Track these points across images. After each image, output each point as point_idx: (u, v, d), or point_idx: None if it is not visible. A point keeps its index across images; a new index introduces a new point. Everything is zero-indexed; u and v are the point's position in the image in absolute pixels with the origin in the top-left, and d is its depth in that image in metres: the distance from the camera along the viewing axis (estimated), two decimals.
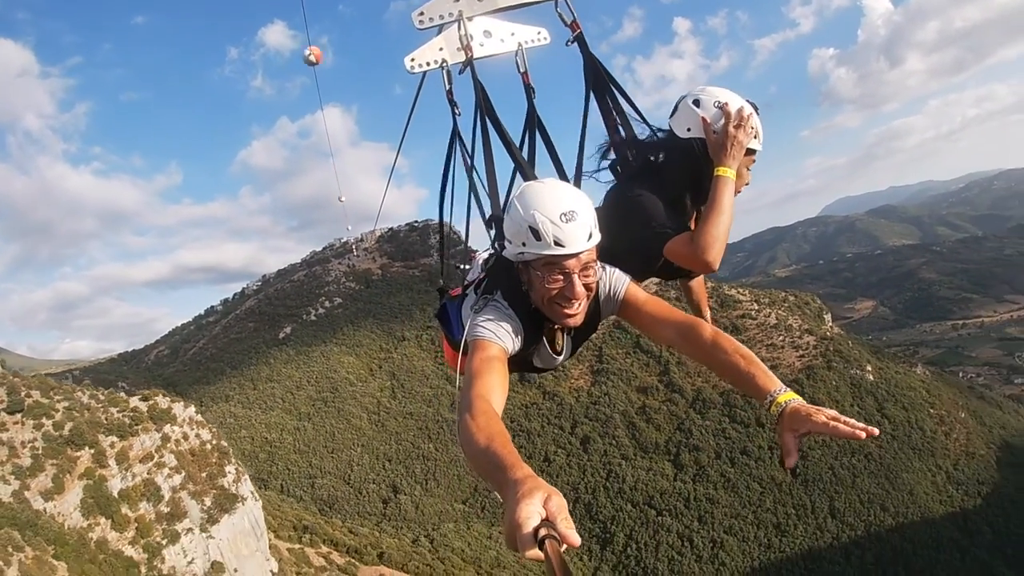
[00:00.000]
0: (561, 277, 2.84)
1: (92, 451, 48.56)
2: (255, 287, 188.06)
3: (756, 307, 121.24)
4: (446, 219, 4.67)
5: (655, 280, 4.18)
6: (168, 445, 52.94)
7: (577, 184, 4.04)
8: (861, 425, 2.16)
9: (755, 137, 3.47)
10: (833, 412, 2.26)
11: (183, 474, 51.40)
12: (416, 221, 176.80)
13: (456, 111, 4.49)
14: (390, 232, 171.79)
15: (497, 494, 1.81)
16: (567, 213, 2.76)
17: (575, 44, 4.47)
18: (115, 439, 50.57)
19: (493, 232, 3.66)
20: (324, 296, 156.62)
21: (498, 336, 2.86)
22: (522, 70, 4.75)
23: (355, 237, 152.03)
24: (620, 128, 4.09)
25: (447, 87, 4.64)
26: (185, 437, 55.38)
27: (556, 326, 3.18)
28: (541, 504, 1.56)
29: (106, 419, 52.20)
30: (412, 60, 4.70)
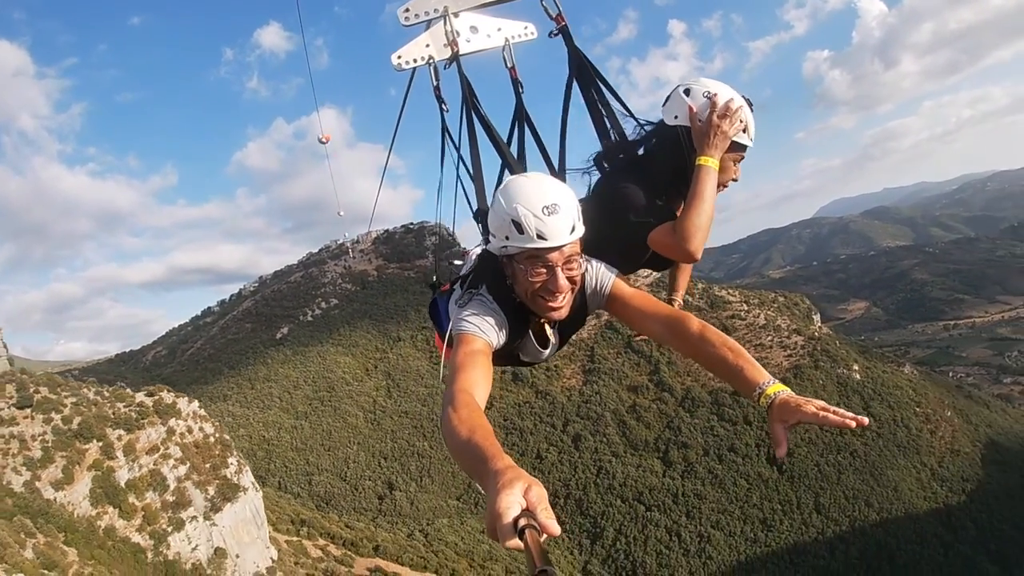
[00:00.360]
0: (544, 270, 2.88)
1: (100, 444, 50.95)
2: (252, 288, 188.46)
3: (746, 308, 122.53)
4: (448, 218, 4.57)
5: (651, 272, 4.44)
6: (173, 438, 55.21)
7: (561, 177, 4.06)
8: (851, 415, 2.25)
9: (744, 131, 3.52)
10: (822, 403, 2.36)
11: (187, 465, 53.71)
12: (411, 223, 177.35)
13: (444, 107, 4.57)
14: (386, 234, 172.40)
15: (478, 485, 1.90)
16: (549, 206, 2.82)
17: (559, 38, 4.56)
18: (122, 432, 52.84)
19: (481, 227, 3.73)
20: (320, 297, 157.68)
21: (482, 330, 2.90)
22: (509, 65, 4.86)
23: (351, 239, 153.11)
24: (606, 120, 4.15)
25: (434, 83, 4.71)
26: (189, 430, 57.54)
27: (541, 320, 3.24)
28: (521, 494, 1.58)
29: (113, 413, 54.50)
30: (399, 57, 4.78)
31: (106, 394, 59.63)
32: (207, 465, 55.92)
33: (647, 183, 3.57)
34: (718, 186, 3.50)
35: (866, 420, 2.19)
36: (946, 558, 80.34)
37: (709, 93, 3.42)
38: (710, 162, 3.32)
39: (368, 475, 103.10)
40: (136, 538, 46.94)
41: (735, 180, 3.74)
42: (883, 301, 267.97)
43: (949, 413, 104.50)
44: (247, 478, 58.24)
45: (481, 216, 3.69)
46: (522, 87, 4.71)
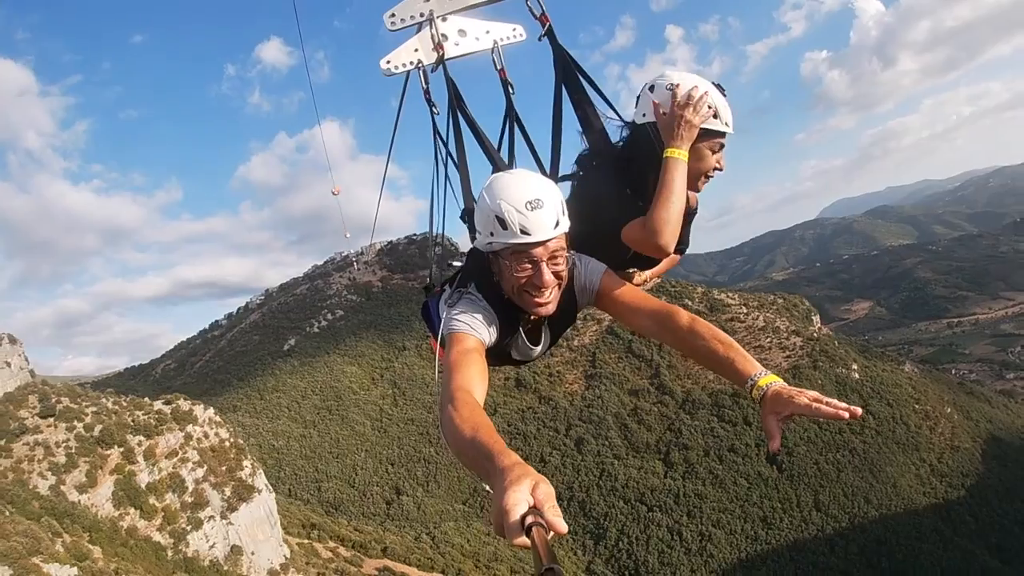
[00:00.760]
0: (529, 265, 2.86)
1: (121, 449, 53.44)
2: (259, 301, 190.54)
3: (745, 310, 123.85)
4: (439, 223, 4.63)
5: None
6: (191, 442, 57.64)
7: (553, 177, 4.07)
8: (844, 405, 2.22)
9: (715, 116, 3.42)
10: (815, 393, 2.32)
11: (205, 468, 56.07)
12: (415, 234, 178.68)
13: (434, 111, 4.55)
14: (389, 245, 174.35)
15: (484, 484, 1.87)
16: (533, 201, 2.79)
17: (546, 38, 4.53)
18: (142, 438, 55.35)
19: (468, 226, 3.67)
20: (326, 308, 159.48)
21: (473, 328, 2.89)
22: (499, 67, 4.82)
23: (355, 251, 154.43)
24: (591, 121, 4.09)
25: (424, 87, 4.70)
26: (206, 436, 59.90)
27: (531, 316, 3.18)
28: (529, 491, 1.56)
29: (133, 421, 56.95)
30: (388, 62, 4.77)
31: (124, 403, 62.18)
32: (223, 468, 58.23)
33: (625, 183, 3.60)
34: (701, 176, 3.62)
35: (859, 411, 2.23)
36: (945, 552, 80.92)
37: (671, 85, 3.44)
38: (676, 153, 3.33)
39: (376, 481, 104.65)
40: (157, 537, 49.30)
41: (719, 169, 3.73)
42: (887, 300, 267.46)
43: (949, 410, 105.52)
44: (261, 480, 60.64)
45: (468, 216, 3.73)
46: (512, 88, 4.72)
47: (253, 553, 54.69)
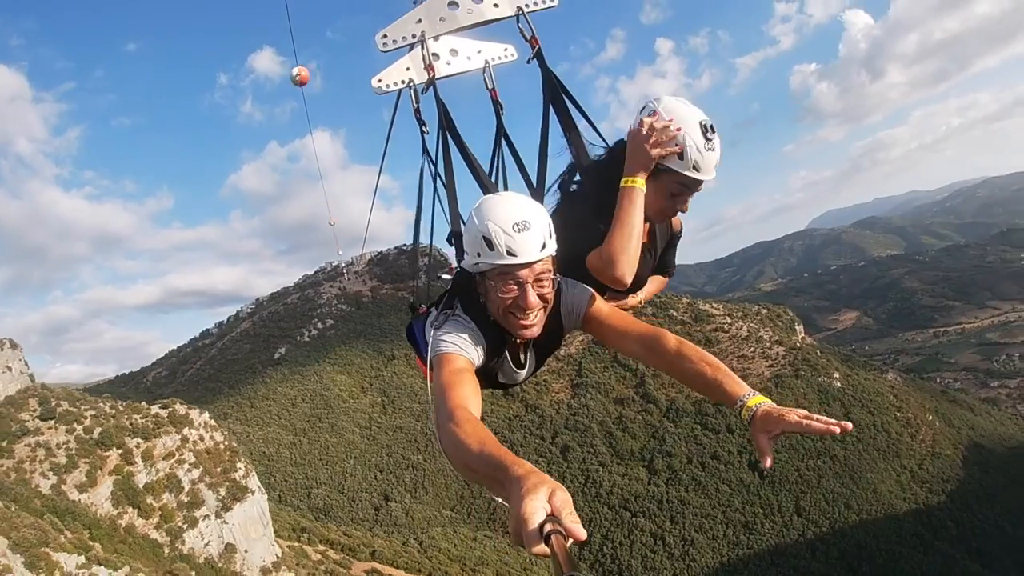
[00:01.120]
0: (515, 287, 2.85)
1: (120, 451, 55.32)
2: (249, 310, 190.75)
3: (729, 320, 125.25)
4: (425, 238, 4.56)
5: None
6: (187, 445, 59.39)
7: (540, 199, 4.02)
8: (834, 421, 2.24)
9: (679, 156, 3.23)
10: (804, 411, 2.35)
11: (200, 469, 57.70)
12: (405, 244, 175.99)
13: (424, 129, 4.53)
14: (380, 256, 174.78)
15: (495, 496, 1.88)
16: (520, 223, 2.78)
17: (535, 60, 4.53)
18: (140, 440, 57.20)
19: (455, 249, 3.66)
20: (317, 318, 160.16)
21: (462, 348, 2.88)
22: (490, 87, 4.87)
23: (346, 261, 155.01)
24: (576, 144, 4.05)
25: (414, 106, 4.70)
26: (201, 439, 61.51)
27: (516, 339, 3.15)
28: (546, 499, 1.55)
29: (131, 424, 58.81)
30: (379, 81, 4.80)
31: (121, 407, 64.05)
32: (218, 469, 59.84)
33: (596, 207, 3.51)
34: (661, 213, 3.54)
35: (850, 426, 2.24)
36: (925, 556, 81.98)
37: (650, 111, 3.30)
38: (630, 182, 3.26)
39: (365, 487, 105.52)
40: (154, 535, 51.03)
41: (682, 210, 3.64)
42: (874, 310, 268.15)
43: (931, 417, 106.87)
44: (254, 481, 62.31)
45: (455, 238, 3.70)
46: (502, 108, 4.75)
47: (246, 551, 56.21)
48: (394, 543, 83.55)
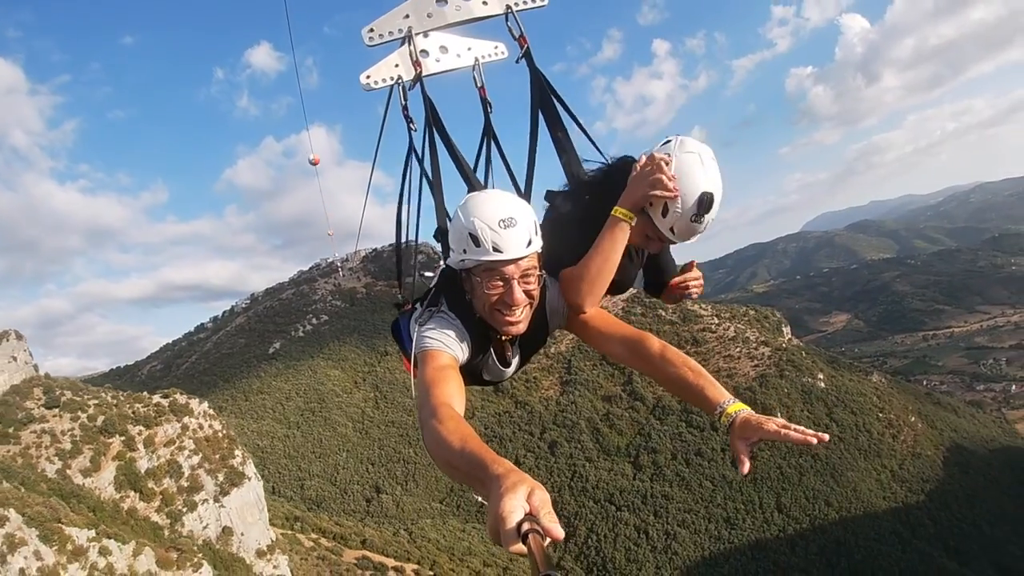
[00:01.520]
0: (501, 283, 2.83)
1: (123, 438, 57.55)
2: (244, 305, 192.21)
3: (716, 321, 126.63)
4: (411, 235, 4.58)
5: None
6: (187, 432, 61.41)
7: (527, 197, 4.08)
8: (811, 432, 2.28)
9: (663, 212, 3.17)
10: (782, 420, 2.39)
11: (200, 455, 59.76)
12: (405, 242, 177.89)
13: (412, 127, 4.49)
14: (374, 252, 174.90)
15: (476, 494, 1.89)
16: (506, 219, 2.77)
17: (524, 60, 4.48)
18: (142, 428, 59.33)
19: (442, 246, 3.56)
20: (311, 313, 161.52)
21: (446, 345, 2.86)
22: (479, 84, 4.84)
23: (340, 257, 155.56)
24: (564, 145, 4.04)
25: (402, 103, 4.65)
26: (200, 427, 63.41)
27: (502, 336, 3.14)
28: (525, 498, 1.56)
29: (133, 412, 60.87)
30: (368, 77, 4.77)
31: (123, 397, 66.24)
32: (217, 456, 61.82)
33: (584, 219, 3.45)
34: (641, 242, 3.46)
35: (826, 436, 2.32)
36: (904, 553, 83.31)
37: (664, 152, 3.17)
38: (619, 212, 3.18)
39: (356, 480, 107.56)
40: (155, 517, 53.16)
41: (653, 254, 3.70)
42: (865, 313, 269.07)
43: (913, 419, 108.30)
44: (251, 468, 64.23)
45: (442, 235, 3.60)
46: (491, 107, 4.71)
47: (243, 534, 58.20)
48: (384, 533, 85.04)
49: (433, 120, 4.33)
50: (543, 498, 1.58)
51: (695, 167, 3.09)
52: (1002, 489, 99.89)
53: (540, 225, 3.16)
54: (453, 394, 2.56)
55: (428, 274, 3.83)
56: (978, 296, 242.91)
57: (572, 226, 3.45)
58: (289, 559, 59.13)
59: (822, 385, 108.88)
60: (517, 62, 4.55)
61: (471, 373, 3.20)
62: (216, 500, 58.16)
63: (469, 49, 5.03)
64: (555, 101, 4.20)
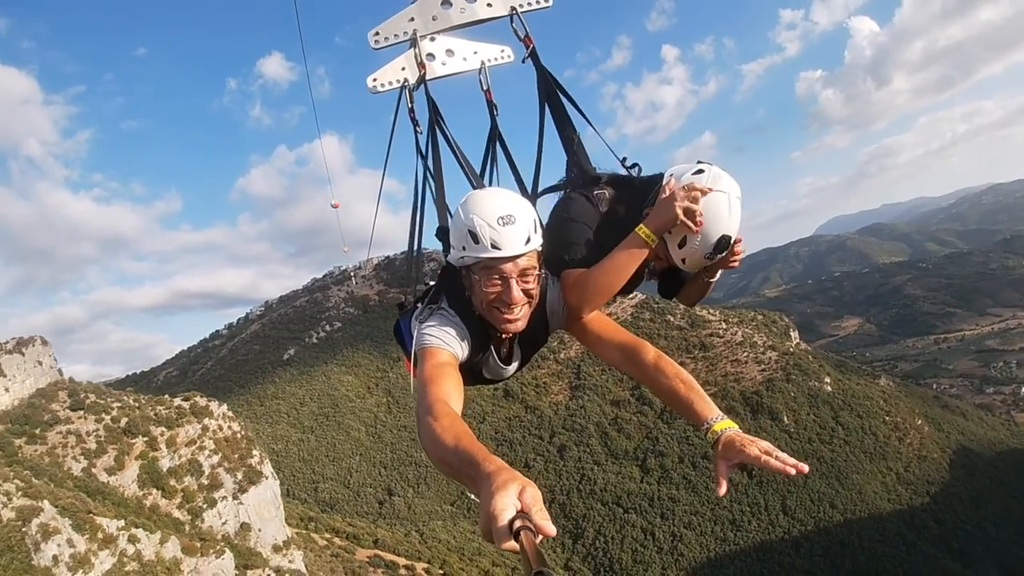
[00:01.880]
0: (499, 281, 2.85)
1: (145, 438, 60.22)
2: (259, 312, 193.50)
3: (725, 326, 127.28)
4: (424, 241, 4.49)
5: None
6: (207, 433, 63.94)
7: (533, 199, 4.10)
8: (792, 461, 2.30)
9: (680, 243, 3.21)
10: (767, 445, 2.39)
11: (219, 455, 62.27)
12: (418, 246, 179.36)
13: (417, 129, 4.53)
14: (386, 260, 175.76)
15: (469, 491, 1.87)
16: (505, 217, 2.78)
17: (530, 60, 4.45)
18: (164, 429, 61.96)
19: (443, 244, 3.51)
20: (325, 320, 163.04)
21: (446, 342, 2.88)
22: (485, 87, 4.91)
23: (354, 265, 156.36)
24: (572, 144, 4.02)
25: (408, 106, 4.68)
26: (220, 428, 65.96)
27: (501, 334, 3.15)
28: (516, 496, 1.56)
29: (155, 415, 63.44)
30: (374, 80, 4.90)
31: (144, 400, 68.92)
32: (235, 455, 64.20)
33: (612, 221, 3.45)
34: (653, 269, 3.54)
35: (805, 468, 2.28)
36: (908, 555, 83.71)
37: (696, 176, 3.19)
38: (642, 231, 3.15)
39: (369, 482, 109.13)
40: (176, 513, 55.54)
41: (649, 275, 3.69)
42: (876, 317, 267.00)
43: (919, 422, 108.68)
44: (268, 468, 66.71)
45: (443, 234, 3.53)
46: (497, 110, 4.71)
47: (260, 530, 60.41)
48: (396, 533, 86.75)
49: (435, 118, 4.37)
50: (534, 495, 1.58)
51: (722, 208, 3.13)
52: (1008, 491, 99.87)
53: (545, 223, 3.39)
54: (451, 391, 2.58)
55: (431, 282, 3.69)
56: (989, 299, 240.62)
57: (583, 227, 3.45)
58: (304, 555, 61.09)
59: (829, 389, 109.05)
60: (523, 61, 4.57)
61: (472, 371, 3.26)
62: (235, 497, 60.40)
63: (475, 52, 5.17)
64: (562, 98, 4.23)
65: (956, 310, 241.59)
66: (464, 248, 2.88)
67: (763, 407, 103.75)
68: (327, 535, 76.20)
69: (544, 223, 3.42)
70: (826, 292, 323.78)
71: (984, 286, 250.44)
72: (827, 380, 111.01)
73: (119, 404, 64.98)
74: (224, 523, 57.69)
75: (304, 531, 73.05)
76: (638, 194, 3.46)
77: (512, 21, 4.60)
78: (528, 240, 2.85)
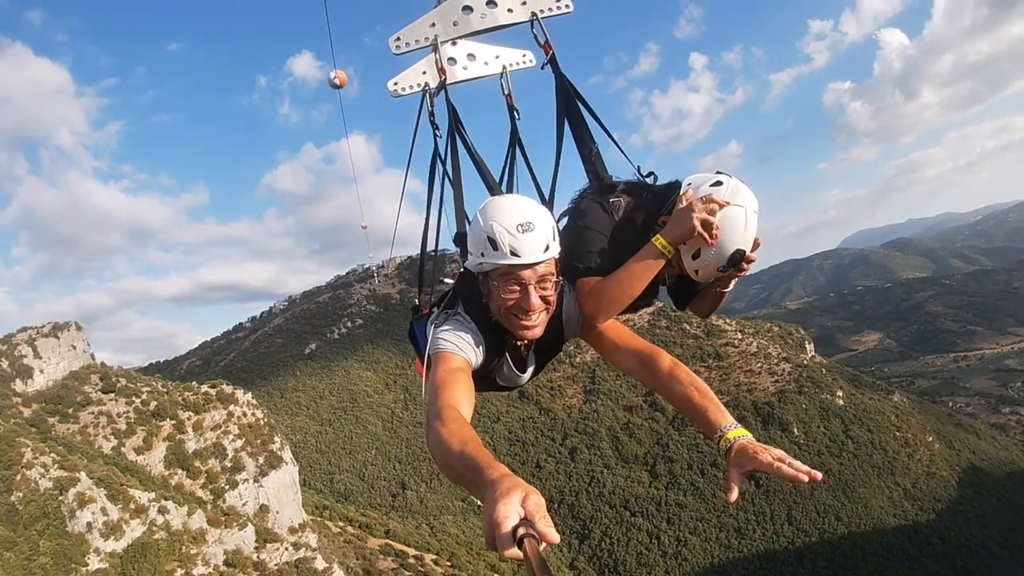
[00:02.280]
0: (517, 288, 2.83)
1: (173, 422, 63.62)
2: (282, 307, 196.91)
3: (740, 336, 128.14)
4: (437, 243, 4.51)
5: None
6: (232, 419, 66.98)
7: (550, 205, 4.03)
8: (805, 469, 2.26)
9: (693, 253, 3.20)
10: (780, 452, 2.36)
11: (243, 440, 65.30)
12: (433, 250, 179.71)
13: (437, 133, 4.48)
14: (409, 260, 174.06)
15: (473, 497, 2.24)
16: (524, 224, 2.76)
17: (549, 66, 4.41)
18: (191, 413, 65.25)
19: (460, 251, 3.52)
20: (347, 317, 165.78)
21: (460, 348, 2.87)
22: (506, 92, 4.84)
23: (376, 264, 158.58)
24: (589, 152, 3.99)
25: (429, 109, 4.68)
26: (244, 415, 68.87)
27: (518, 341, 3.13)
28: (519, 503, 1.54)
29: (183, 400, 66.52)
30: (395, 84, 4.90)
31: (172, 386, 72.37)
32: (258, 441, 67.25)
33: (626, 231, 3.45)
34: (666, 278, 3.51)
35: (819, 475, 2.27)
36: (910, 570, 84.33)
37: (714, 188, 3.17)
38: (659, 242, 3.14)
39: (383, 476, 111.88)
40: (200, 492, 58.54)
41: (665, 282, 3.61)
42: (897, 333, 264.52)
43: (930, 438, 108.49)
44: (288, 454, 69.67)
45: (461, 240, 3.54)
46: (518, 114, 4.67)
47: (278, 512, 63.19)
48: (407, 526, 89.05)
49: (455, 123, 4.35)
50: (538, 502, 1.56)
51: (739, 222, 3.11)
52: (1016, 512, 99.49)
53: (560, 231, 3.25)
54: (461, 397, 2.57)
55: (448, 281, 3.78)
56: (1011, 318, 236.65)
57: (599, 235, 3.43)
58: (318, 539, 63.26)
59: (840, 402, 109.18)
60: (543, 68, 4.55)
61: (485, 378, 3.26)
62: (256, 480, 63.38)
63: (497, 57, 5.16)
64: (581, 107, 4.18)
65: (977, 328, 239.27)
66: (483, 254, 2.90)
67: (774, 418, 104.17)
68: (340, 523, 78.98)
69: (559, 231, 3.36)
70: (847, 306, 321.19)
71: (1006, 305, 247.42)
72: (839, 394, 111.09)
73: (148, 389, 68.42)
74: (244, 504, 60.50)
75: (319, 518, 75.53)
76: (655, 202, 3.49)
77: (533, 27, 4.59)
78: (547, 248, 2.87)
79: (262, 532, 54.89)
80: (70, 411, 62.05)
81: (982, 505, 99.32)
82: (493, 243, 2.79)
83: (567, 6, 4.70)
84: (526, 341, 3.14)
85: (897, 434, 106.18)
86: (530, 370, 3.47)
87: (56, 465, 44.47)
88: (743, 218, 3.09)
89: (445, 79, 4.66)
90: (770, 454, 2.36)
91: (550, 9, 4.66)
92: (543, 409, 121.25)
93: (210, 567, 46.24)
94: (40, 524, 40.11)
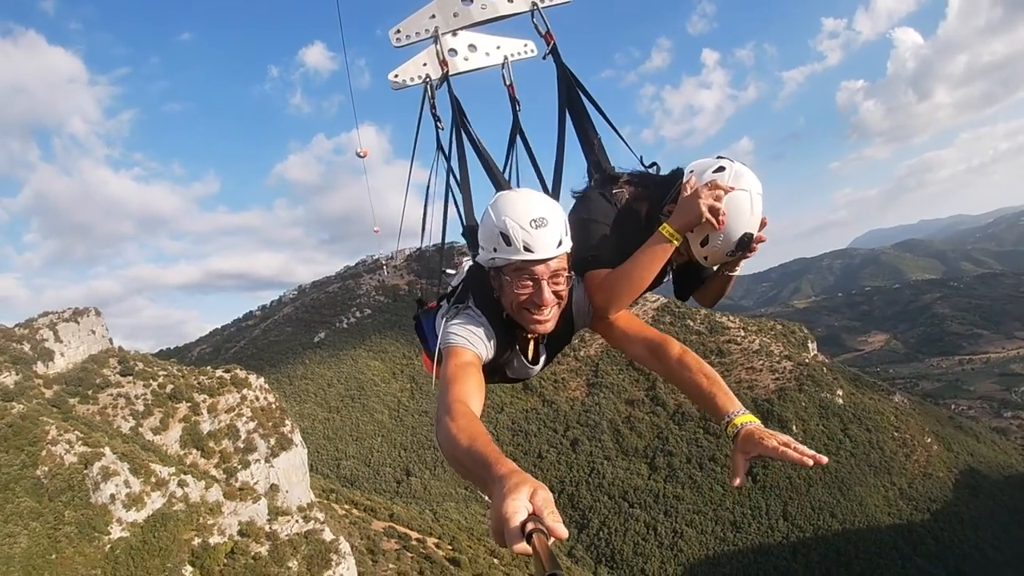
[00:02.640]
0: (530, 283, 2.85)
1: (189, 404, 66.20)
2: (292, 296, 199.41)
3: (743, 333, 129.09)
4: (437, 235, 4.62)
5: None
6: (245, 402, 69.46)
7: (555, 196, 3.96)
8: (811, 452, 2.28)
9: (703, 240, 3.23)
10: (786, 438, 2.36)
11: (255, 422, 67.75)
12: (441, 242, 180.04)
13: (439, 125, 4.57)
14: (418, 251, 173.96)
15: (481, 492, 1.90)
16: (537, 219, 2.77)
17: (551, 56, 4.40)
18: (206, 396, 67.74)
19: (469, 244, 3.66)
20: (355, 307, 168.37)
21: (471, 342, 2.87)
22: (507, 82, 4.87)
23: (385, 255, 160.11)
24: (590, 142, 4.02)
25: (430, 101, 4.74)
26: (257, 398, 71.48)
27: (528, 335, 3.17)
28: (528, 498, 1.56)
29: (198, 383, 69.21)
30: (396, 76, 4.89)
31: (187, 370, 75.30)
32: (270, 423, 69.63)
33: (630, 221, 3.46)
34: (675, 265, 3.61)
35: (825, 459, 2.29)
36: (903, 568, 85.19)
37: (719, 173, 3.18)
38: (666, 230, 3.14)
39: (389, 462, 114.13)
40: (213, 472, 60.78)
41: (669, 270, 3.68)
42: (903, 334, 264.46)
43: (929, 440, 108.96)
44: (298, 437, 71.73)
45: (469, 233, 3.65)
46: (519, 105, 4.70)
47: (287, 492, 65.63)
48: (411, 511, 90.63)
49: (459, 118, 4.32)
50: (546, 498, 1.58)
51: (744, 206, 3.12)
52: (1011, 515, 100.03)
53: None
54: (471, 392, 2.58)
55: (451, 272, 3.97)
56: (1018, 322, 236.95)
57: (604, 227, 3.44)
58: (325, 518, 66.07)
59: (840, 402, 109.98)
60: (544, 58, 4.53)
61: (496, 371, 3.28)
62: (267, 461, 65.78)
63: (498, 47, 5.10)
64: (583, 97, 4.17)
65: (984, 332, 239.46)
66: (495, 250, 2.91)
67: (773, 415, 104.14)
68: (346, 506, 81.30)
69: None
70: (855, 306, 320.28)
71: (1014, 309, 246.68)
72: (839, 393, 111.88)
73: (164, 372, 70.92)
74: (256, 483, 62.55)
75: (325, 501, 77.73)
76: (659, 192, 3.49)
77: (533, 16, 4.56)
78: (560, 243, 2.89)
79: (272, 510, 57.00)
80: (90, 392, 64.50)
81: (978, 507, 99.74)
82: (506, 238, 2.85)
83: None
84: (538, 335, 3.25)
85: (895, 434, 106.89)
86: (541, 362, 3.49)
87: (80, 442, 47.20)
88: (748, 201, 3.15)
89: (448, 71, 4.70)
90: (776, 439, 2.39)
91: None
92: (546, 401, 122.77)
93: (225, 536, 48.91)
94: (65, 496, 42.78)
